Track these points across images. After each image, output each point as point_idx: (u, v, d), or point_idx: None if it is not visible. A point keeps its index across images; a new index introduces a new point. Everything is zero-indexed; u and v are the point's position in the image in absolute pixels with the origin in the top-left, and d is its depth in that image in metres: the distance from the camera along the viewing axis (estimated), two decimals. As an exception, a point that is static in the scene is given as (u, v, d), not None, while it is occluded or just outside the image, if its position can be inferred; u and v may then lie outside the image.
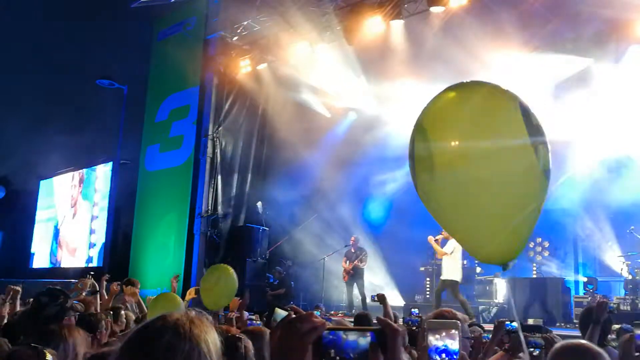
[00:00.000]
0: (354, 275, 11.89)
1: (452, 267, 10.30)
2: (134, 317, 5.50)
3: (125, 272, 14.14)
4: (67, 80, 16.19)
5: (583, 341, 2.08)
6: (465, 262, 11.43)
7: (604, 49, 11.00)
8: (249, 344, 3.14)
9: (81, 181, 17.83)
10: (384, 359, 1.26)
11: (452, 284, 10.31)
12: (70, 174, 18.24)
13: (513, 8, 10.68)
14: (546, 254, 13.42)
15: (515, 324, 3.98)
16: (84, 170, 17.73)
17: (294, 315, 1.34)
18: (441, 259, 10.67)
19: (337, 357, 1.27)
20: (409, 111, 14.23)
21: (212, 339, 1.55)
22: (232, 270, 6.70)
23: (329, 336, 1.28)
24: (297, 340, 1.27)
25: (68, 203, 18.29)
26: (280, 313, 2.32)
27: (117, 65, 15.32)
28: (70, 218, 18.12)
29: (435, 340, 1.68)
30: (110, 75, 14.57)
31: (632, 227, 10.98)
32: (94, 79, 14.62)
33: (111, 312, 4.96)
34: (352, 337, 1.28)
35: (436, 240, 10.50)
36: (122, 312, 5.31)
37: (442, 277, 10.50)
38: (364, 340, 1.28)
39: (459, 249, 9.98)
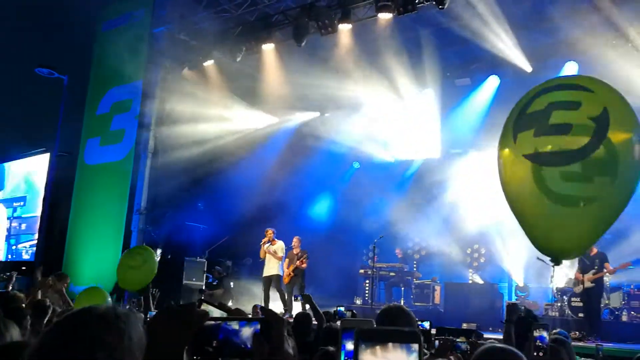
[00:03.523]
0: (295, 276, 11.88)
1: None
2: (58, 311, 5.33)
3: (59, 267, 13.72)
4: (3, 67, 15.53)
5: (503, 345, 2.14)
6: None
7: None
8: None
9: (15, 171, 17.18)
10: (268, 347, 1.28)
11: (278, 277, 11.64)
12: (3, 164, 17.54)
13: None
14: (482, 260, 13.79)
15: (426, 323, 4.12)
16: (20, 160, 17.09)
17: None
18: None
19: (222, 347, 1.29)
20: (354, 113, 14.55)
21: (137, 333, 1.50)
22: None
23: (213, 326, 1.31)
24: (177, 329, 1.27)
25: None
26: (208, 309, 2.29)
27: (58, 54, 14.80)
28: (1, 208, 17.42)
29: None
30: (51, 64, 14.06)
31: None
32: (32, 67, 14.08)
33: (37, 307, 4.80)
34: (236, 327, 1.31)
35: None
36: (49, 306, 5.13)
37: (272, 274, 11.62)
38: (249, 330, 1.30)
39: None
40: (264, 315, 1.33)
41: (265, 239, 11.95)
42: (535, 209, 3.54)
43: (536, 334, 4.42)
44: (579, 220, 3.45)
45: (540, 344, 4.13)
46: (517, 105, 3.71)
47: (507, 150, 3.64)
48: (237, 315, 1.47)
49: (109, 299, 5.63)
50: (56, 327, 1.49)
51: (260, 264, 12.67)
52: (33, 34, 14.97)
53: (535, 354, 3.71)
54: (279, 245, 11.95)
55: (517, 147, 3.52)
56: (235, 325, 1.33)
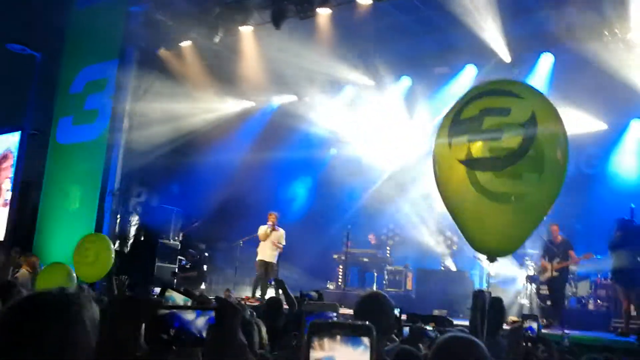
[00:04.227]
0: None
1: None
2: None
3: (30, 247, 13.54)
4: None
5: (462, 334, 2.17)
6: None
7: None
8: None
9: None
10: (223, 336, 1.29)
11: (274, 266, 11.62)
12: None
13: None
14: (455, 247, 13.94)
15: (396, 310, 4.19)
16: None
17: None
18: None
19: (178, 335, 1.31)
20: (332, 99, 14.54)
21: (90, 316, 1.49)
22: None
23: (168, 315, 1.32)
24: (129, 317, 1.28)
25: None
26: (172, 295, 2.29)
27: (31, 30, 14.47)
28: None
29: None
30: (23, 40, 13.75)
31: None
32: (4, 43, 13.76)
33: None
34: (192, 316, 1.32)
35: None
36: (16, 288, 5.04)
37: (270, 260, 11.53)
38: (203, 319, 1.32)
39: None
40: (219, 304, 1.33)
41: (270, 223, 11.67)
42: (470, 208, 3.76)
43: (525, 324, 4.57)
44: (511, 217, 3.69)
45: (529, 334, 4.27)
46: (451, 110, 3.87)
47: (442, 155, 3.82)
48: (201, 302, 1.48)
49: (74, 274, 5.56)
50: (2, 319, 1.46)
51: (233, 248, 12.67)
52: (6, 8, 14.59)
53: (524, 344, 3.88)
54: (282, 233, 11.78)
55: (452, 152, 3.68)
56: (190, 315, 1.34)
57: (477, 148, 3.56)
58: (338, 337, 1.15)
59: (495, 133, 3.51)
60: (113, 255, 7.09)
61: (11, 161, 15.46)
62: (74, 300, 1.48)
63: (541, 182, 3.58)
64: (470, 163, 3.56)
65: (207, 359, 1.30)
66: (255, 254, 11.92)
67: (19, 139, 15.25)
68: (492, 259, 3.91)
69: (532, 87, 3.99)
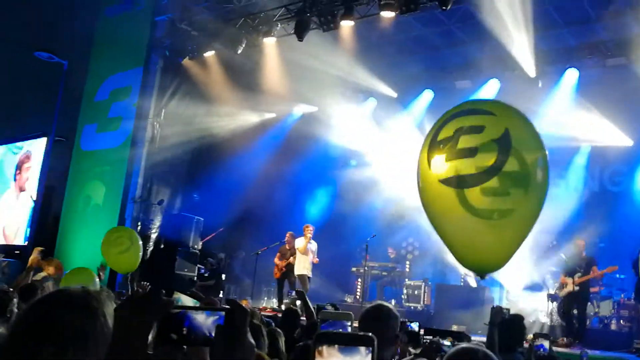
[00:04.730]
0: (286, 272, 11.84)
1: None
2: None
3: (51, 253, 13.69)
4: (3, 49, 15.45)
5: (474, 346, 2.14)
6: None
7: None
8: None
9: (7, 155, 17.11)
10: (232, 338, 1.30)
11: (307, 279, 11.43)
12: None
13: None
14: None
15: (414, 324, 4.18)
16: (13, 144, 17.02)
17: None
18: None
19: (188, 335, 1.32)
20: (354, 110, 14.55)
21: (109, 313, 1.52)
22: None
23: (178, 315, 1.33)
24: (140, 317, 1.29)
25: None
26: (181, 297, 2.30)
27: (59, 38, 14.72)
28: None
29: None
30: (50, 48, 14.00)
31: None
32: (32, 50, 14.01)
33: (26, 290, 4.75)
34: (202, 316, 1.33)
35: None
36: (39, 291, 5.09)
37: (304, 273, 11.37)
38: (210, 320, 1.33)
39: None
40: (229, 305, 1.34)
41: (309, 235, 11.56)
42: (454, 226, 3.86)
43: (537, 342, 4.55)
44: (495, 233, 3.76)
45: (542, 352, 4.23)
46: (430, 131, 3.98)
47: (423, 175, 3.93)
48: (208, 304, 1.50)
49: (97, 279, 5.61)
50: (25, 314, 1.49)
51: (251, 258, 12.67)
52: (35, 17, 14.90)
53: None
54: (316, 246, 11.74)
55: (432, 172, 3.80)
56: (200, 315, 1.35)
57: (454, 167, 3.65)
58: (342, 347, 1.21)
59: (470, 151, 3.60)
60: (141, 244, 7.10)
61: (31, 163, 15.71)
62: (95, 296, 1.53)
63: (521, 198, 3.63)
64: (449, 181, 3.65)
65: (214, 359, 1.30)
66: (274, 264, 11.92)
67: (45, 145, 15.48)
68: (481, 275, 4.00)
69: (505, 105, 4.00)
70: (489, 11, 10.57)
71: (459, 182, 3.60)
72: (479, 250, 3.89)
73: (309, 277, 11.52)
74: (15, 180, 16.41)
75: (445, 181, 3.68)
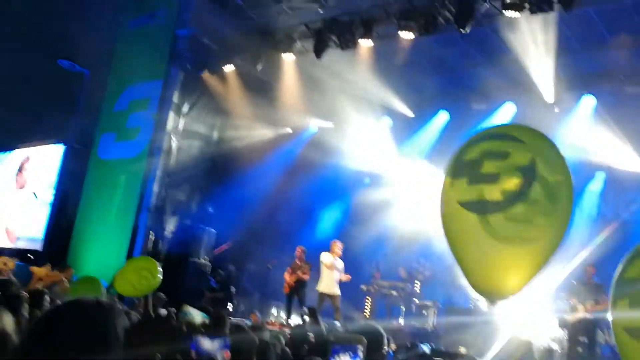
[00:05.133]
0: (295, 287, 11.80)
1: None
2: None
3: (64, 259, 13.82)
4: (28, 56, 15.74)
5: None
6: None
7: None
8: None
9: (27, 160, 17.35)
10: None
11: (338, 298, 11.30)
12: (17, 151, 17.73)
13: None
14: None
15: (425, 347, 4.17)
16: (32, 149, 17.27)
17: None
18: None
19: (195, 358, 1.36)
20: (369, 128, 14.60)
21: (121, 323, 1.59)
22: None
23: (186, 340, 1.37)
24: (154, 339, 1.32)
25: (9, 181, 17.74)
26: (189, 310, 2.34)
27: (81, 48, 14.98)
28: (10, 196, 17.59)
29: None
30: (73, 57, 14.25)
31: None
32: (55, 59, 14.27)
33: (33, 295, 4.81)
34: (207, 342, 1.37)
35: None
36: (46, 296, 5.16)
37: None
38: (216, 344, 1.37)
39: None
40: (235, 335, 1.39)
41: (336, 250, 11.43)
42: (470, 249, 3.79)
43: None
44: (519, 259, 3.67)
45: None
46: (456, 152, 3.93)
47: (445, 195, 3.87)
48: (216, 319, 1.54)
49: (104, 289, 5.65)
50: (40, 321, 1.54)
51: (262, 271, 12.66)
52: (58, 27, 15.16)
53: None
54: (342, 264, 11.54)
55: (453, 193, 3.75)
56: (207, 340, 1.39)
57: (475, 190, 3.61)
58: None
59: (494, 177, 3.56)
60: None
61: (30, 165, 15.93)
62: (108, 307, 1.59)
63: (544, 226, 3.57)
64: (468, 205, 3.61)
65: None
66: (283, 279, 11.91)
67: (63, 152, 15.70)
68: (492, 302, 3.89)
69: (534, 132, 3.92)
70: (507, 35, 10.62)
71: (480, 207, 3.56)
72: (495, 275, 3.81)
73: (333, 295, 11.28)
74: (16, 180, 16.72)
75: (467, 204, 3.64)
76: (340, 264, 11.43)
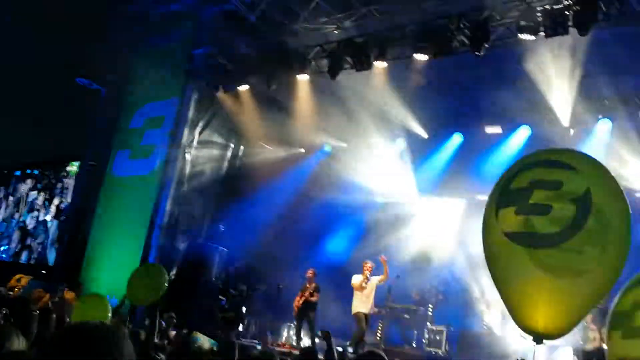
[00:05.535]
0: (305, 309, 11.71)
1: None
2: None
3: (78, 275, 13.85)
4: (46, 73, 15.96)
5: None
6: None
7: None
8: None
9: (43, 177, 17.52)
10: None
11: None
12: (33, 168, 17.94)
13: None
14: (501, 314, 13.47)
15: None
16: (48, 166, 17.44)
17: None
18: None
19: None
20: (381, 150, 14.56)
21: (127, 349, 1.57)
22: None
23: None
24: None
25: (26, 198, 17.92)
26: (199, 337, 2.30)
27: (98, 66, 15.17)
28: (26, 213, 17.75)
29: None
30: (90, 75, 14.44)
31: None
32: (71, 77, 14.47)
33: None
34: None
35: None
36: (53, 315, 5.15)
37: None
38: None
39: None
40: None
41: (366, 271, 11.21)
42: (517, 283, 3.50)
43: None
44: (572, 294, 3.40)
45: None
46: (501, 178, 3.70)
47: (489, 225, 3.62)
48: (226, 346, 1.49)
49: (109, 306, 5.65)
50: (46, 348, 1.54)
51: (273, 292, 12.57)
52: (77, 44, 15.37)
53: None
54: (374, 282, 11.35)
55: (498, 223, 3.50)
56: None
57: (523, 222, 3.36)
58: None
59: (545, 208, 3.31)
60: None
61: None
62: (113, 333, 1.58)
63: (599, 258, 3.29)
64: (514, 236, 3.38)
65: None
66: (293, 300, 11.84)
67: (78, 169, 15.82)
68: (538, 340, 3.59)
69: (589, 158, 3.63)
70: (522, 57, 10.58)
71: (530, 240, 3.31)
72: (544, 312, 3.48)
73: (365, 315, 11.10)
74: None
75: (514, 236, 3.40)
76: (372, 282, 11.22)
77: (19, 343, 2.87)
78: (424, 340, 12.99)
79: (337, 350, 6.80)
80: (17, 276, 6.25)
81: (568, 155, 3.86)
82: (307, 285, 11.82)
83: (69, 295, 7.47)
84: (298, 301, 11.72)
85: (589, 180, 3.37)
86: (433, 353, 12.44)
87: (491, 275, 3.70)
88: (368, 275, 11.16)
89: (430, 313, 13.83)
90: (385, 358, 3.02)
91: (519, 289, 3.53)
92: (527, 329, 3.63)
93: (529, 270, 3.30)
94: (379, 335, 13.58)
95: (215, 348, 4.10)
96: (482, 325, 13.14)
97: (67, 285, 10.27)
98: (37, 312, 4.92)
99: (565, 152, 4.11)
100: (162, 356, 2.99)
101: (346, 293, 13.33)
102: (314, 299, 11.65)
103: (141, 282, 6.75)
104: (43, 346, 1.60)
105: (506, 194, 3.57)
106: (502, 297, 3.71)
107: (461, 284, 13.51)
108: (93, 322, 1.62)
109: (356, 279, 11.24)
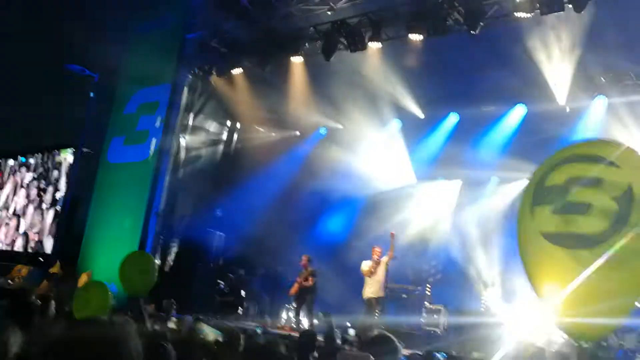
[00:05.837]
0: (302, 293, 11.78)
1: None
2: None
3: (75, 262, 13.87)
4: (37, 61, 15.84)
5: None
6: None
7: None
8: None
9: (38, 165, 17.44)
10: None
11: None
12: (27, 156, 17.84)
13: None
14: (498, 292, 13.57)
15: (440, 355, 4.10)
16: (42, 154, 17.35)
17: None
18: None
19: None
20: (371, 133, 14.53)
21: (134, 345, 1.55)
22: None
23: None
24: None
25: (21, 186, 17.84)
26: (203, 328, 2.30)
27: (91, 52, 15.04)
28: (21, 201, 17.68)
29: None
30: (82, 61, 14.30)
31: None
32: (64, 63, 14.32)
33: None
34: None
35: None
36: (52, 302, 5.12)
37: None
38: None
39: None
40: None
41: (376, 257, 11.34)
42: (561, 288, 3.23)
43: None
44: (615, 293, 3.15)
45: None
46: (535, 173, 3.48)
47: (525, 224, 3.44)
48: (229, 336, 1.47)
49: (110, 293, 5.63)
50: (57, 342, 1.51)
51: (271, 275, 12.61)
52: (69, 30, 15.23)
53: None
54: (384, 263, 11.45)
55: (534, 222, 3.32)
56: None
57: (562, 221, 3.18)
58: None
59: (582, 206, 3.14)
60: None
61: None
62: (122, 330, 1.57)
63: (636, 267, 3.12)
64: (552, 237, 3.20)
65: None
66: (293, 283, 11.89)
67: (72, 156, 15.75)
68: (584, 343, 3.38)
69: (627, 150, 3.35)
70: (517, 36, 10.53)
71: (571, 240, 3.14)
72: (591, 311, 3.21)
73: (375, 299, 11.26)
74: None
75: (553, 237, 3.22)
76: (381, 264, 11.32)
77: (18, 342, 2.82)
78: (421, 319, 13.10)
79: (337, 332, 6.83)
80: (18, 266, 6.23)
81: (605, 147, 3.60)
82: (303, 271, 11.89)
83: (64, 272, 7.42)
84: (294, 289, 11.79)
85: (631, 175, 3.18)
86: (431, 332, 12.54)
87: (528, 278, 3.51)
88: (377, 260, 11.23)
89: (428, 292, 13.92)
90: (396, 340, 3.00)
91: (563, 292, 3.25)
92: (571, 333, 3.45)
93: (572, 273, 3.10)
94: (377, 315, 13.67)
95: (220, 338, 4.10)
96: (479, 304, 13.25)
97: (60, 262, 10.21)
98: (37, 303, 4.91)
99: (601, 145, 3.83)
100: (169, 345, 2.98)
101: (345, 274, 13.42)
102: (308, 283, 11.71)
103: (132, 271, 6.65)
104: (45, 348, 1.54)
105: (541, 191, 3.36)
106: (543, 301, 3.49)
107: (458, 262, 13.58)
108: (100, 320, 1.60)
109: (365, 265, 11.34)
